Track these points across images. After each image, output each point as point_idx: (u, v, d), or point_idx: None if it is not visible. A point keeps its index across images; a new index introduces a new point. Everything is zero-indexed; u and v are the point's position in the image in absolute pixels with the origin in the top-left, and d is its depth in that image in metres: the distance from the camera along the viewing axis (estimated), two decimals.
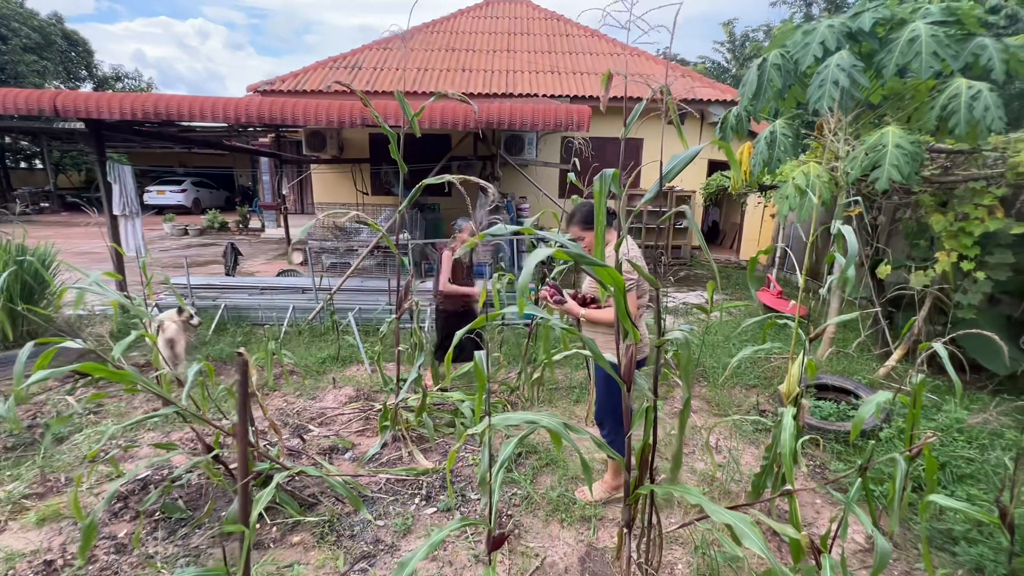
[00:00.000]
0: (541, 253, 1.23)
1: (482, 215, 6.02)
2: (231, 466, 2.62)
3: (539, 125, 4.77)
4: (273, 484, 2.13)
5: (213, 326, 5.37)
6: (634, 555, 1.82)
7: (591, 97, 9.58)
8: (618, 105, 9.24)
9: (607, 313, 2.39)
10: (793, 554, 1.88)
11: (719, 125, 4.19)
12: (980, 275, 3.42)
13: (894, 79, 3.72)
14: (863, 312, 4.12)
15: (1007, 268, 3.47)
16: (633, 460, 1.70)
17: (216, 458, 2.42)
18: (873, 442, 3.10)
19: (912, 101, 3.89)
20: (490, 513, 1.63)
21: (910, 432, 2.17)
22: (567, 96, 9.52)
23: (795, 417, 2.15)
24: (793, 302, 6.37)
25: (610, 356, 2.46)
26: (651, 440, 1.66)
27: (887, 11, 3.39)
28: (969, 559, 2.19)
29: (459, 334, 1.47)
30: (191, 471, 2.95)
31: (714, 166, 10.69)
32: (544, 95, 9.40)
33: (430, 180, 2.53)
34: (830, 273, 7.71)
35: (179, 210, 16.90)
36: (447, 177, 2.57)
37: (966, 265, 3.49)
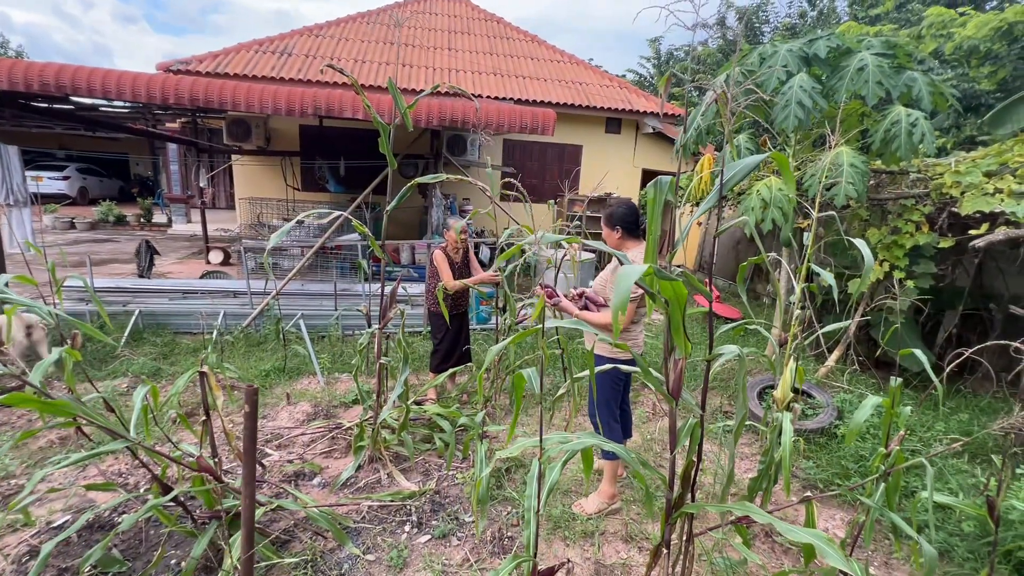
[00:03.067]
0: (635, 271, 1.13)
1: (438, 215, 5.78)
2: (187, 504, 2.24)
3: (504, 126, 4.66)
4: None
5: (126, 335, 4.66)
6: (667, 573, 1.77)
7: (535, 102, 9.62)
8: (561, 111, 9.38)
9: (603, 316, 2.41)
10: (805, 559, 1.93)
11: (684, 139, 4.34)
12: (910, 284, 3.81)
13: (832, 104, 4.06)
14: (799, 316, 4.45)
15: (929, 277, 3.90)
16: (675, 478, 1.65)
17: (173, 498, 2.04)
18: (836, 440, 3.34)
19: (845, 125, 4.27)
20: (535, 546, 1.50)
21: (887, 430, 2.30)
22: (511, 99, 9.48)
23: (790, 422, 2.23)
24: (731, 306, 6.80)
25: (602, 353, 2.49)
26: (695, 458, 1.62)
27: (838, 40, 3.68)
28: (938, 544, 2.40)
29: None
30: (124, 512, 2.51)
31: (648, 175, 11.19)
32: (489, 96, 9.29)
33: (424, 179, 2.33)
34: (752, 278, 8.29)
35: (61, 200, 14.66)
36: (441, 176, 2.39)
37: (897, 274, 3.88)
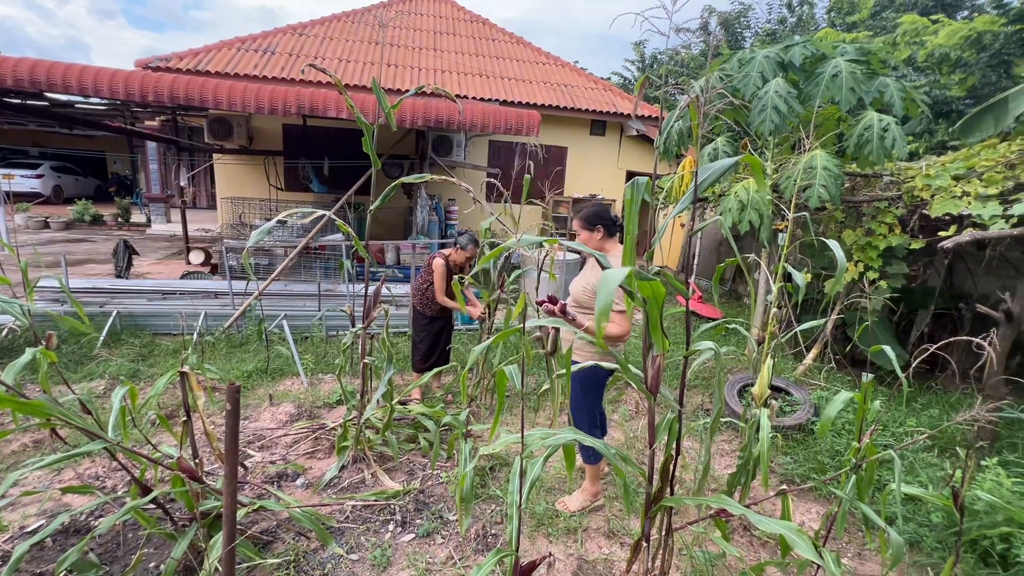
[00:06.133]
0: (619, 274, 1.15)
1: (423, 216, 5.78)
2: (168, 507, 2.22)
3: (488, 127, 4.68)
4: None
5: (103, 337, 4.57)
6: (647, 567, 1.80)
7: (520, 103, 9.66)
8: (546, 113, 9.44)
9: (613, 328, 2.35)
10: (782, 551, 1.99)
11: (663, 141, 4.41)
12: (883, 284, 3.93)
13: (808, 109, 4.17)
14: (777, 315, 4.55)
15: (902, 278, 4.03)
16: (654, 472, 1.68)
17: (153, 500, 2.02)
18: (812, 436, 3.42)
19: (821, 129, 4.39)
20: (518, 541, 1.52)
21: (860, 425, 2.37)
22: (497, 100, 9.51)
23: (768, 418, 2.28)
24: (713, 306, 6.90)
25: (585, 360, 2.48)
26: (674, 452, 1.65)
27: (814, 48, 3.78)
28: (908, 534, 2.48)
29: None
30: (102, 516, 2.47)
31: (631, 176, 11.31)
32: (474, 97, 9.30)
33: (408, 179, 2.34)
34: (734, 279, 8.44)
35: (34, 198, 14.27)
36: (426, 177, 2.40)
37: (871, 275, 3.99)
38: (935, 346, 1.70)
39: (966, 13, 11.19)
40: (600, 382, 2.58)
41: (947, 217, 3.52)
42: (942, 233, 3.51)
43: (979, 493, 2.34)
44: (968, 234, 3.19)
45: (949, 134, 7.38)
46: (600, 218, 2.44)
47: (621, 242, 2.53)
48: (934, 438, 3.28)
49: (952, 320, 4.54)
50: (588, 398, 2.60)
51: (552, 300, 2.41)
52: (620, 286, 1.28)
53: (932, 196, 3.69)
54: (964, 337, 1.76)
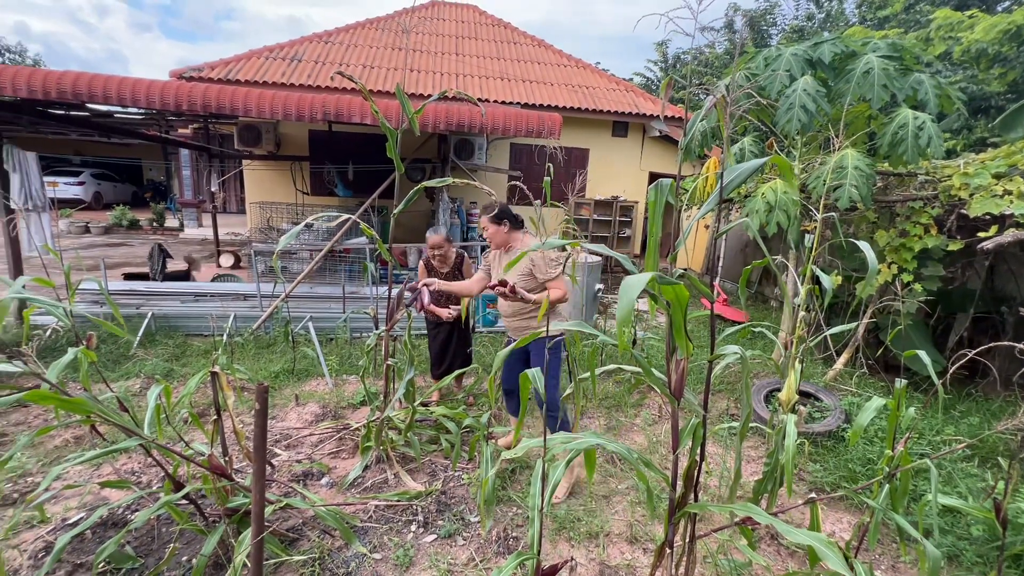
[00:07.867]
0: (639, 281, 1.14)
1: (444, 218, 5.83)
2: (199, 502, 2.29)
3: (510, 130, 4.70)
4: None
5: (139, 338, 4.74)
6: (670, 574, 1.78)
7: (541, 106, 9.67)
8: (567, 115, 9.43)
9: (556, 293, 2.63)
10: (811, 561, 1.94)
11: (686, 142, 4.35)
12: (918, 287, 3.79)
13: (837, 107, 4.06)
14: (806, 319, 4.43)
15: (937, 280, 3.88)
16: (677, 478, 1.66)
17: (185, 495, 2.09)
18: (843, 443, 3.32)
19: (851, 127, 4.26)
20: (539, 544, 1.52)
21: (893, 432, 2.29)
22: (518, 103, 9.54)
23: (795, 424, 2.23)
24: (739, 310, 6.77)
25: (553, 329, 2.57)
26: (698, 458, 1.63)
27: (843, 45, 3.68)
28: (947, 547, 2.38)
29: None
30: (137, 510, 2.56)
31: (655, 178, 11.18)
32: (496, 101, 9.36)
33: (431, 183, 2.36)
34: (760, 282, 8.25)
35: (76, 204, 14.94)
36: (448, 180, 2.42)
37: (905, 277, 3.85)
38: (974, 351, 1.63)
39: (1007, 4, 10.74)
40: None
41: (987, 217, 3.38)
42: (982, 234, 3.37)
43: (1023, 506, 2.24)
44: (1011, 234, 3.06)
45: (989, 130, 7.08)
46: (505, 214, 2.80)
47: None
48: (974, 447, 3.15)
49: (993, 324, 4.34)
50: (557, 366, 2.88)
51: (503, 283, 2.53)
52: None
53: (971, 195, 3.55)
54: (1006, 343, 1.68)
